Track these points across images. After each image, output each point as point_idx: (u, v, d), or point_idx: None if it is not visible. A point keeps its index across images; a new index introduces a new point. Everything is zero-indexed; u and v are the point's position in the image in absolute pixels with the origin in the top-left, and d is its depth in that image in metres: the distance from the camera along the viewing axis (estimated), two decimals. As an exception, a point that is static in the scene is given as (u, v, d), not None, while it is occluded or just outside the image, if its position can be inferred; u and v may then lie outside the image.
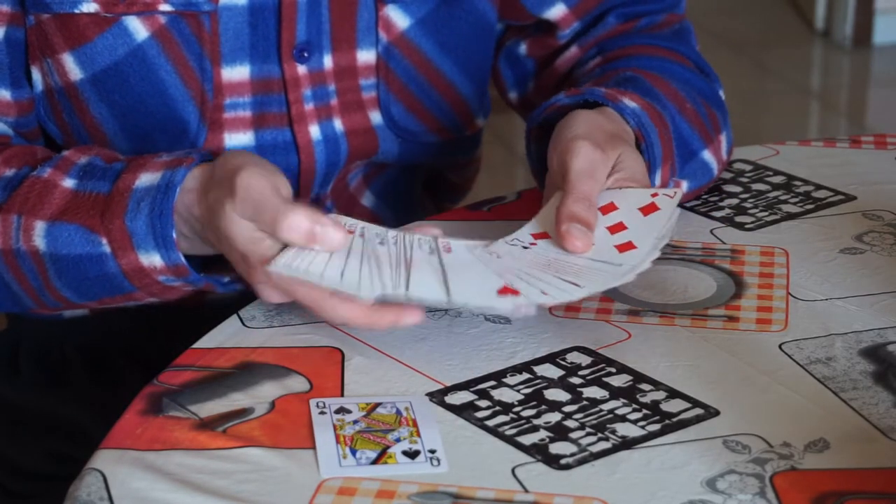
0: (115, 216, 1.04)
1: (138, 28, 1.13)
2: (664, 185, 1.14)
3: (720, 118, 1.24)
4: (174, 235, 1.03)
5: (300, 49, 1.17)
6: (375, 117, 1.21)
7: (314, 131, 1.19)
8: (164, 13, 1.12)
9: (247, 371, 0.98)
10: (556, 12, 1.27)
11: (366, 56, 1.20)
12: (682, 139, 1.17)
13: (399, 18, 1.20)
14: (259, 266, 0.98)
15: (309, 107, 1.18)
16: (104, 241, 1.05)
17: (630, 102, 1.12)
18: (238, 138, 1.17)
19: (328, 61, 1.18)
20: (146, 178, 1.04)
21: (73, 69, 1.14)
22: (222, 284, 1.07)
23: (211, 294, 1.22)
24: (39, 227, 1.06)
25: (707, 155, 1.20)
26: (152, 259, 1.04)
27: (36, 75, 1.16)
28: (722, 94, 1.28)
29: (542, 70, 1.32)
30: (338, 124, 1.20)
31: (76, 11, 1.11)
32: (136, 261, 1.04)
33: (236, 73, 1.16)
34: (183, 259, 1.03)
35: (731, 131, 1.26)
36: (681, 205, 1.22)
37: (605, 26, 1.28)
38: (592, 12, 1.28)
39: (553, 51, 1.30)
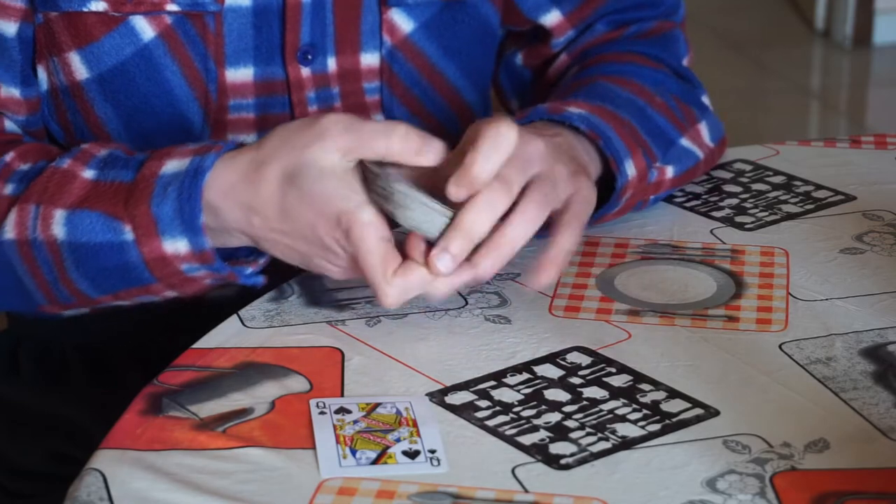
0: (141, 202, 1.02)
1: (145, 28, 1.13)
2: (641, 173, 1.14)
3: (697, 113, 1.24)
4: (203, 220, 1.01)
5: (304, 51, 1.17)
6: (378, 120, 1.21)
7: None
8: (170, 13, 1.12)
9: (247, 371, 0.98)
10: (552, 19, 1.28)
11: (369, 59, 1.20)
12: (658, 129, 1.17)
13: (403, 22, 1.20)
14: (349, 229, 0.97)
15: (312, 109, 1.18)
16: (127, 227, 1.03)
17: (575, 109, 1.12)
18: (241, 140, 1.17)
19: (332, 64, 1.19)
20: (173, 165, 1.03)
21: (79, 68, 1.14)
22: (245, 275, 1.05)
23: (211, 294, 1.22)
24: (59, 215, 1.05)
25: (685, 142, 1.21)
26: (177, 245, 1.02)
27: (42, 74, 1.16)
28: (706, 100, 1.28)
29: (537, 79, 1.32)
30: None
31: (84, 10, 1.11)
32: (160, 248, 1.02)
33: (240, 74, 1.16)
34: (210, 244, 1.02)
35: (719, 123, 1.27)
36: (681, 205, 1.22)
37: (592, 34, 1.29)
38: (587, 20, 1.28)
39: (547, 60, 1.31)
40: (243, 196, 1.00)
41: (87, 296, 1.08)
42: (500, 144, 0.97)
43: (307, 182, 0.98)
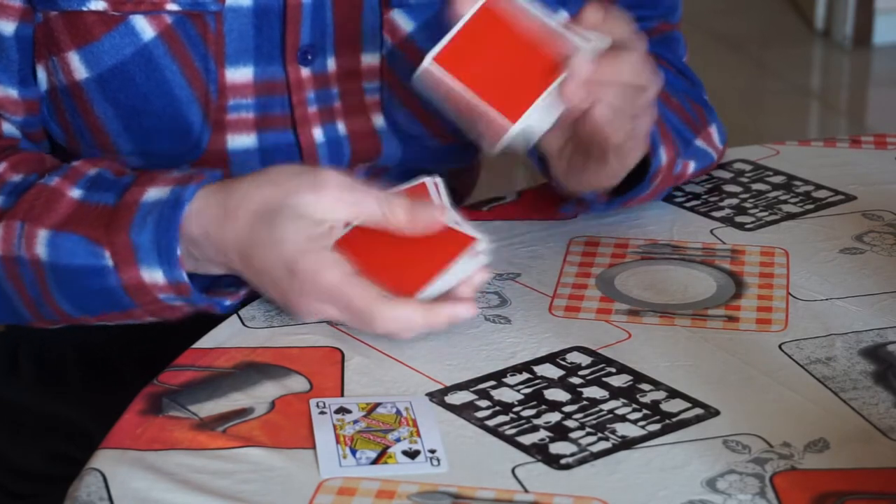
0: (121, 229, 1.04)
1: (145, 27, 1.13)
2: (671, 161, 1.15)
3: (707, 114, 1.25)
4: (179, 252, 1.02)
5: (304, 51, 1.17)
6: (378, 121, 1.21)
7: (317, 134, 1.19)
8: (170, 13, 1.12)
9: (247, 371, 0.98)
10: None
11: (370, 59, 1.20)
12: (675, 127, 1.17)
13: (403, 22, 1.20)
14: (311, 273, 0.98)
15: (312, 109, 1.18)
16: (107, 253, 1.04)
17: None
18: (241, 140, 1.17)
19: (332, 64, 1.18)
20: (154, 193, 1.04)
21: (78, 68, 1.14)
22: (223, 307, 1.07)
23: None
24: (42, 235, 1.06)
25: (700, 142, 1.22)
26: (154, 275, 1.03)
27: (41, 74, 1.15)
28: (707, 99, 1.29)
29: None
30: (341, 127, 1.20)
31: (84, 9, 1.11)
32: (138, 276, 1.04)
33: (240, 74, 1.16)
34: (185, 277, 1.03)
35: (723, 126, 1.27)
36: (681, 205, 1.22)
37: None
38: None
39: None
40: (216, 231, 1.02)
41: (70, 315, 1.09)
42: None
43: (279, 222, 1.00)
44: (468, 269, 1.00)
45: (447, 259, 1.00)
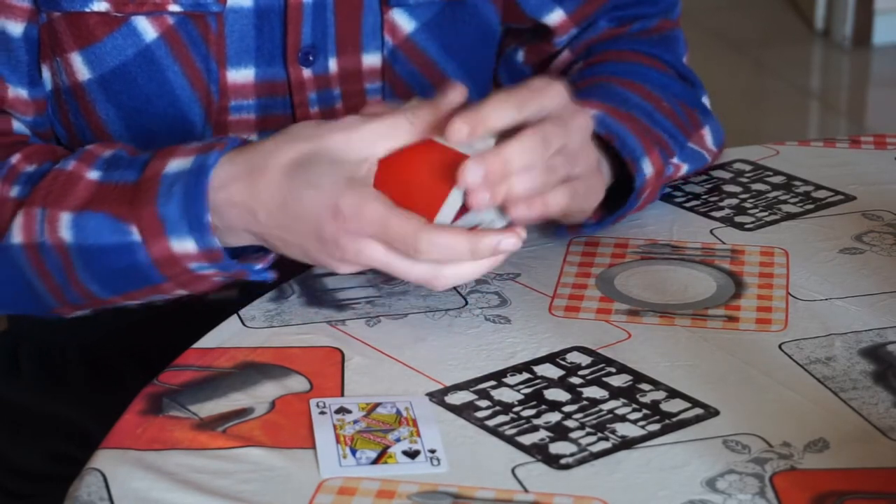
0: (146, 203, 1.02)
1: (147, 28, 1.13)
2: (659, 170, 1.14)
3: (701, 116, 1.25)
4: (209, 219, 1.01)
5: (305, 52, 1.17)
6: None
7: None
8: (172, 14, 1.12)
9: (247, 371, 0.98)
10: (555, 18, 1.27)
11: (371, 60, 1.20)
12: (666, 131, 1.17)
13: (404, 22, 1.20)
14: (355, 209, 0.96)
15: (314, 110, 1.18)
16: (134, 229, 1.03)
17: (591, 110, 1.12)
18: (246, 138, 1.17)
19: (333, 65, 1.19)
20: (176, 164, 1.03)
21: (81, 69, 1.14)
22: (254, 271, 1.05)
23: (212, 294, 1.22)
24: (65, 218, 1.05)
25: (692, 145, 1.22)
26: (185, 245, 1.02)
27: (46, 74, 1.16)
28: (706, 100, 1.28)
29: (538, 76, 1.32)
30: None
31: (86, 10, 1.11)
32: (168, 248, 1.02)
33: (241, 75, 1.16)
34: (217, 243, 1.01)
35: (720, 127, 1.27)
36: (680, 204, 1.22)
37: (595, 30, 1.28)
38: (590, 18, 1.28)
39: (548, 57, 1.31)
40: (245, 192, 1.00)
41: (97, 297, 1.08)
42: (543, 94, 0.99)
43: (316, 168, 0.98)
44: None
45: (450, 183, 0.98)
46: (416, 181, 0.98)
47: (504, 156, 0.96)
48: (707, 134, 1.24)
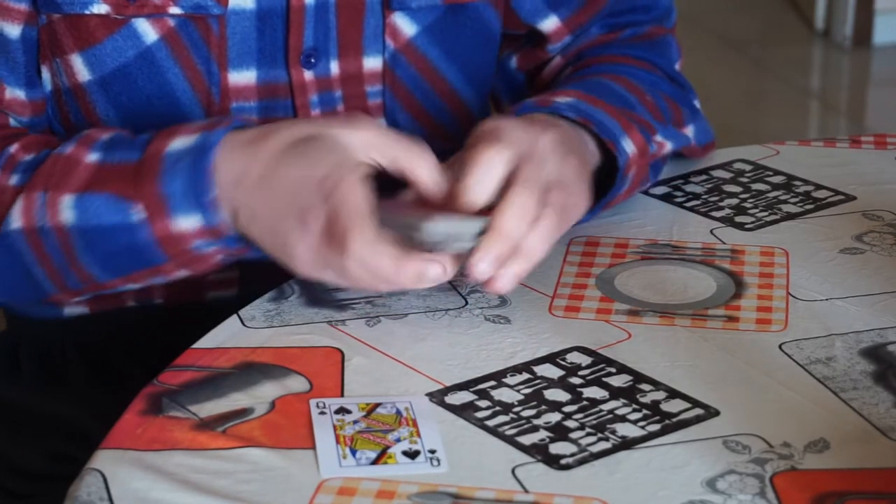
0: (151, 181, 1.02)
1: (147, 30, 1.13)
2: (641, 148, 1.14)
3: (687, 115, 1.25)
4: (214, 194, 1.01)
5: (307, 55, 1.17)
6: (381, 124, 1.21)
7: None
8: (173, 16, 1.12)
9: (247, 371, 0.98)
10: (550, 25, 1.28)
11: (372, 63, 1.20)
12: (649, 116, 1.18)
13: (406, 26, 1.20)
14: (335, 186, 0.96)
15: (315, 112, 1.18)
16: (137, 207, 1.02)
17: (562, 99, 1.13)
18: None
19: (335, 67, 1.19)
20: (179, 142, 1.03)
21: (81, 70, 1.14)
22: (255, 247, 1.04)
23: (211, 294, 1.22)
24: (66, 200, 1.05)
25: (672, 127, 1.23)
26: (190, 221, 1.02)
27: (45, 75, 1.16)
28: (697, 104, 1.29)
29: (531, 82, 1.32)
30: None
31: (87, 12, 1.11)
32: (172, 226, 1.02)
33: (243, 77, 1.16)
34: (224, 218, 1.01)
35: (710, 129, 1.28)
36: (680, 204, 1.22)
37: (587, 36, 1.29)
38: (584, 25, 1.28)
39: (541, 63, 1.31)
40: (239, 162, 1.00)
41: (97, 280, 1.08)
42: (492, 167, 0.99)
43: (313, 146, 0.99)
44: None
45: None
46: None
47: (503, 232, 0.97)
48: (690, 131, 1.25)
